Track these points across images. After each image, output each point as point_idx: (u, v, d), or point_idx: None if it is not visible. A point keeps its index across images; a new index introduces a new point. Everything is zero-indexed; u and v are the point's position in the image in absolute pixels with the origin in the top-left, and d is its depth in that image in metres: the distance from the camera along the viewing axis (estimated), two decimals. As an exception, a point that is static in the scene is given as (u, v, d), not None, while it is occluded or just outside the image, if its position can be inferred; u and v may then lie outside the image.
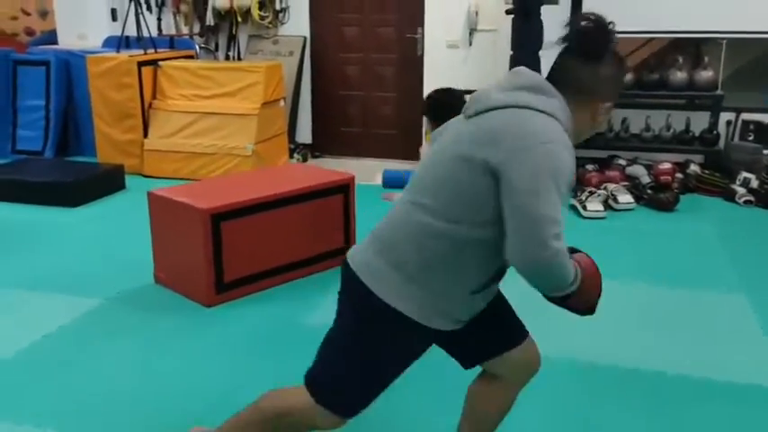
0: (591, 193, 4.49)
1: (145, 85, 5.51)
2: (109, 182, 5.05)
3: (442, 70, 5.74)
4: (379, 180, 5.48)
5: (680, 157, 5.24)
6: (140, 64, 5.44)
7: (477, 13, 5.51)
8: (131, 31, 6.47)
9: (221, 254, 3.09)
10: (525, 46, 4.99)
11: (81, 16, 6.52)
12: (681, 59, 5.19)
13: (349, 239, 3.63)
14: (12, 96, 6.05)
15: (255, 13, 6.07)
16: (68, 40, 6.57)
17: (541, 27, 4.98)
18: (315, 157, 6.40)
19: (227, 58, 6.33)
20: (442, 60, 5.77)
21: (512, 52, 5.12)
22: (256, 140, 5.35)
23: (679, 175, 4.97)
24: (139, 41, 5.78)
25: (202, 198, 3.15)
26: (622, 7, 5.18)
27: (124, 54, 5.56)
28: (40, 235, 4.16)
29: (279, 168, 3.80)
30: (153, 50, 5.71)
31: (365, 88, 6.22)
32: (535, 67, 5.05)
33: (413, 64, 5.98)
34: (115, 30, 6.55)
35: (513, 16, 5.04)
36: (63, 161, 5.36)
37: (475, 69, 5.68)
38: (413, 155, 6.12)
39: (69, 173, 4.95)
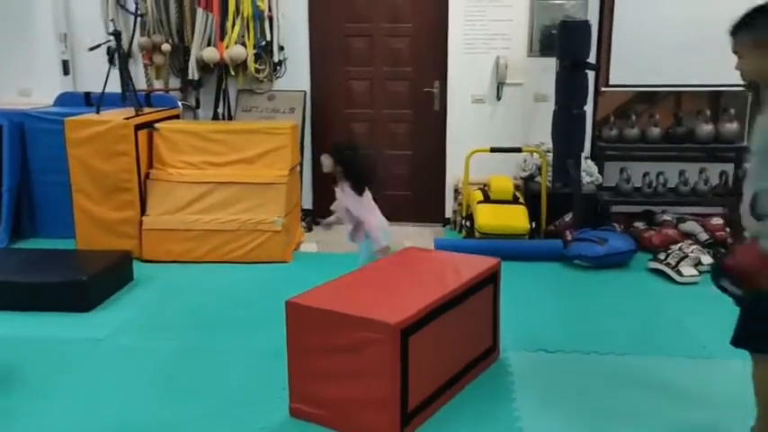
0: (679, 256, 4.26)
1: (140, 152, 4.60)
2: (118, 274, 4.08)
3: (467, 126, 5.38)
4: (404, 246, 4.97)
5: (712, 210, 5.22)
6: (136, 128, 4.54)
7: (506, 66, 5.21)
8: (86, 86, 5.55)
9: (407, 377, 2.43)
10: (571, 102, 4.77)
11: (23, 69, 5.44)
12: (707, 112, 5.21)
13: (496, 337, 3.09)
14: (-52, 170, 4.84)
15: (252, 65, 5.36)
16: (6, 98, 5.44)
17: (587, 84, 4.80)
18: (316, 224, 5.71)
19: (216, 116, 5.52)
20: (467, 116, 5.39)
21: (555, 107, 4.88)
22: (286, 212, 4.63)
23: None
24: (124, 100, 4.84)
25: (373, 307, 2.48)
26: (649, 63, 5.23)
27: (111, 115, 4.62)
28: (61, 361, 3.15)
29: (404, 257, 3.16)
30: (141, 110, 4.80)
31: (375, 147, 5.67)
32: (580, 122, 4.86)
33: (430, 120, 5.55)
34: (66, 85, 5.55)
35: (557, 71, 4.82)
36: (45, 252, 4.27)
37: (503, 124, 5.36)
38: (431, 217, 5.66)
39: (71, 267, 3.92)
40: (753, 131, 2.17)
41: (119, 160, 4.51)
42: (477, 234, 4.73)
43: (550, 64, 5.09)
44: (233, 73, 5.41)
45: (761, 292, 2.03)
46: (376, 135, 5.66)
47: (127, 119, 4.54)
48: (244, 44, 5.33)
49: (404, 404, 2.44)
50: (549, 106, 5.18)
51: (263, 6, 5.32)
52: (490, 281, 3.00)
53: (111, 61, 5.42)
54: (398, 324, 2.37)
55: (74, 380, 2.98)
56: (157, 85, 5.55)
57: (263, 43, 5.39)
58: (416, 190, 5.72)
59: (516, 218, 4.66)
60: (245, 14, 5.29)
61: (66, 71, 5.51)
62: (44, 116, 4.94)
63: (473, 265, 2.93)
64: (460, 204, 5.27)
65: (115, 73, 4.94)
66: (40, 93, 5.40)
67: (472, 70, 5.31)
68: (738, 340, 2.17)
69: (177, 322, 3.62)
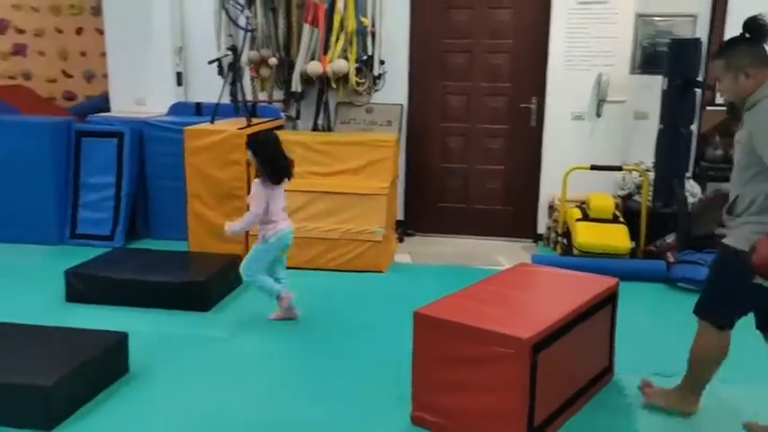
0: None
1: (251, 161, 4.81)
2: (230, 277, 4.28)
3: (566, 143, 5.37)
4: (496, 262, 5.02)
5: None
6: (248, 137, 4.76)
7: (608, 83, 5.18)
8: (197, 95, 5.86)
9: (535, 392, 2.47)
10: (678, 121, 4.71)
11: (139, 80, 5.77)
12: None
13: (612, 357, 3.09)
14: (73, 172, 5.18)
15: (353, 79, 5.52)
16: (123, 106, 5.79)
17: (695, 103, 4.73)
18: (408, 235, 5.82)
19: (316, 127, 5.71)
20: (565, 132, 5.39)
21: (660, 126, 4.82)
22: (385, 223, 4.74)
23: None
24: (237, 111, 5.09)
25: (502, 321, 2.54)
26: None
27: (224, 125, 4.86)
28: (188, 357, 3.36)
29: (520, 272, 3.22)
30: (251, 121, 5.03)
31: (469, 161, 5.74)
32: (686, 141, 4.79)
33: (526, 135, 5.58)
34: (179, 95, 5.86)
35: (664, 90, 4.76)
36: (162, 252, 4.52)
37: (603, 142, 5.33)
38: (521, 232, 5.67)
39: (189, 268, 4.16)
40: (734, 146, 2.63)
41: (231, 168, 4.74)
42: (575, 252, 4.72)
43: (653, 82, 5.05)
44: (334, 86, 5.59)
45: None
46: (470, 149, 5.72)
47: (240, 129, 4.77)
48: (346, 58, 5.50)
49: (530, 419, 2.49)
50: (650, 124, 5.14)
51: (367, 22, 5.49)
52: (609, 301, 3.01)
53: (221, 73, 5.72)
54: (530, 339, 2.42)
55: (202, 374, 3.17)
56: (261, 96, 5.79)
57: (365, 57, 5.54)
58: (508, 205, 5.74)
59: (617, 237, 4.63)
60: (349, 30, 5.46)
61: (179, 82, 5.82)
62: (160, 124, 5.24)
63: (593, 284, 2.95)
64: (556, 221, 5.27)
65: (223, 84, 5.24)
66: (155, 102, 5.72)
67: (572, 87, 5.30)
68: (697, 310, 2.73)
69: (290, 326, 3.77)
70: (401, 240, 5.66)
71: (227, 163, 4.73)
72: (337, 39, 5.48)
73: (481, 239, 5.72)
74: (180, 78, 5.84)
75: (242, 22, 5.53)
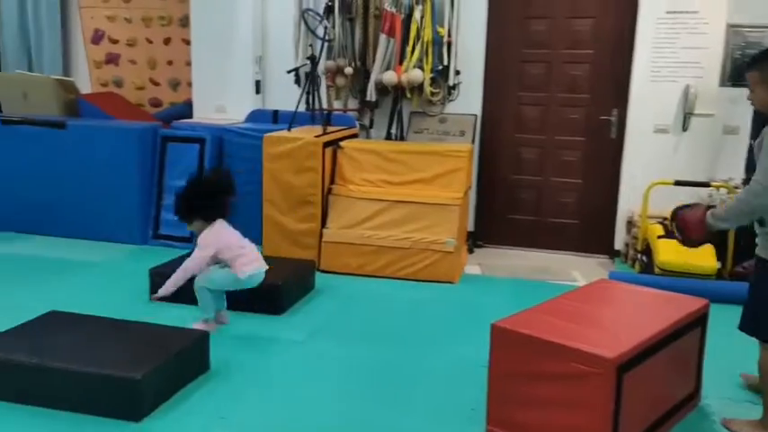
0: None
1: (325, 168, 4.90)
2: (303, 282, 4.36)
3: (648, 157, 5.21)
4: (571, 277, 4.93)
5: None
6: (324, 145, 4.85)
7: (696, 96, 5.00)
8: (274, 103, 6.01)
9: (619, 413, 2.40)
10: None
11: (220, 88, 5.96)
12: None
13: (699, 382, 2.97)
14: (158, 176, 5.40)
15: (428, 89, 5.54)
16: (204, 113, 5.99)
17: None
18: (477, 246, 5.77)
19: (389, 136, 5.76)
20: (648, 146, 5.23)
21: (751, 141, 4.62)
22: (457, 234, 4.72)
23: None
24: (313, 119, 5.20)
25: (586, 338, 2.48)
26: None
27: (301, 133, 4.96)
28: (267, 357, 3.43)
29: (600, 288, 3.14)
30: (326, 128, 5.12)
31: (543, 173, 5.65)
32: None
33: (604, 148, 5.45)
34: (257, 103, 6.02)
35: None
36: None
37: (688, 157, 5.14)
38: (597, 247, 5.53)
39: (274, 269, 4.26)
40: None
41: (307, 175, 4.83)
42: (656, 270, 4.56)
43: (743, 95, 4.83)
44: (408, 95, 5.62)
45: (691, 242, 2.86)
46: (546, 161, 5.63)
47: (316, 137, 4.86)
48: (421, 68, 5.52)
49: (612, 441, 2.42)
50: (740, 139, 4.94)
51: (443, 32, 5.50)
52: (699, 323, 2.90)
53: (297, 82, 5.85)
54: (616, 359, 2.35)
55: (280, 376, 3.24)
56: (337, 105, 5.89)
57: (440, 67, 5.56)
58: (584, 219, 5.61)
59: (703, 256, 4.44)
60: (425, 40, 5.48)
61: (257, 90, 5.98)
62: (239, 131, 5.39)
63: (681, 304, 2.84)
64: (635, 237, 5.11)
65: (299, 92, 5.35)
66: (234, 109, 5.90)
67: (657, 99, 5.15)
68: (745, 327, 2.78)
69: (363, 332, 3.80)
70: (471, 251, 5.63)
71: (302, 169, 4.82)
72: (413, 49, 5.51)
73: (553, 253, 5.62)
74: (258, 87, 6.00)
75: (320, 32, 5.64)
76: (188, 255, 3.88)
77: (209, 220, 3.60)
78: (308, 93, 5.40)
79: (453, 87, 5.66)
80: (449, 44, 5.55)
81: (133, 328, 3.26)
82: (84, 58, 6.58)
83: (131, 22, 6.41)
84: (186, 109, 6.19)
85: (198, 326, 3.55)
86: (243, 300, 3.97)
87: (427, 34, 5.48)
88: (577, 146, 5.54)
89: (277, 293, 3.98)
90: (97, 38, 6.49)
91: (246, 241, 3.73)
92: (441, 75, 5.58)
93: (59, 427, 2.71)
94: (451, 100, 5.71)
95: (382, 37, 5.55)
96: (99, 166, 5.33)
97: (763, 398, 2.73)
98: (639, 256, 4.94)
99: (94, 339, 3.09)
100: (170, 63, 6.42)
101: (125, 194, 5.34)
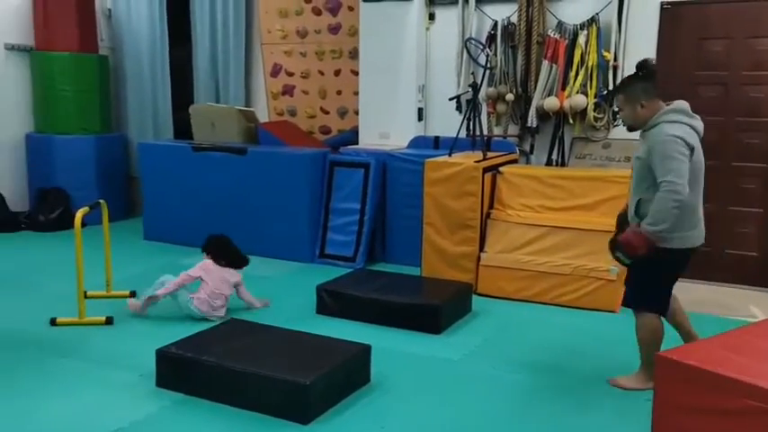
0: None
1: (485, 193, 4.97)
2: (460, 304, 4.44)
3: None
4: (749, 313, 4.55)
5: None
6: (484, 170, 4.93)
7: None
8: (435, 130, 6.20)
9: (802, 460, 2.20)
10: None
11: (385, 115, 6.26)
12: None
13: None
14: (326, 198, 5.78)
15: (591, 114, 5.44)
16: (369, 140, 6.32)
17: None
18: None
19: (549, 162, 5.71)
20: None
21: None
22: (620, 262, 4.56)
23: None
24: (474, 145, 5.32)
25: (762, 374, 2.31)
26: None
27: (461, 158, 5.08)
28: (422, 374, 3.53)
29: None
30: (486, 154, 5.20)
31: (718, 201, 5.27)
32: None
33: (790, 175, 5.00)
34: (419, 129, 6.25)
35: None
36: (400, 276, 4.86)
37: None
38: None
39: (424, 292, 4.42)
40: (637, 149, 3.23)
41: (466, 199, 4.92)
42: None
43: None
44: (571, 121, 5.55)
45: (638, 257, 3.14)
46: (720, 189, 5.24)
47: (477, 162, 4.95)
48: (585, 93, 5.44)
49: (793, 488, 2.22)
50: None
51: (609, 56, 5.39)
52: None
53: (458, 109, 6.00)
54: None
55: (436, 393, 3.32)
56: (497, 131, 5.95)
57: (605, 92, 5.44)
58: (764, 251, 5.16)
59: None
60: (590, 64, 5.41)
61: (420, 117, 6.22)
62: (402, 156, 5.63)
63: None
64: (827, 273, 4.61)
65: (460, 119, 5.49)
66: (397, 136, 6.17)
67: None
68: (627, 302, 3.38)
69: (519, 357, 3.79)
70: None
71: (462, 194, 4.92)
72: (576, 74, 5.45)
73: (729, 287, 5.20)
74: (421, 114, 6.23)
75: (482, 60, 5.76)
76: (351, 274, 4.11)
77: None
78: (468, 119, 5.53)
79: (618, 112, 5.50)
80: (614, 68, 5.42)
81: (302, 338, 3.52)
82: (263, 90, 7.23)
83: (306, 56, 6.95)
84: (353, 136, 6.57)
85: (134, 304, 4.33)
86: (403, 318, 4.14)
87: (592, 59, 5.41)
88: (757, 173, 5.13)
89: (436, 314, 4.09)
90: (275, 71, 7.12)
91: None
92: (605, 99, 5.46)
93: (236, 423, 2.99)
94: (616, 125, 5.54)
95: (545, 63, 5.55)
96: (274, 189, 5.80)
97: (640, 352, 3.35)
98: (833, 294, 4.45)
99: (268, 346, 3.39)
100: (339, 93, 6.86)
101: (296, 215, 5.77)
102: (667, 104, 3.19)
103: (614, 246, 3.28)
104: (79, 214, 4.09)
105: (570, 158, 5.70)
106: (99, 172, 7.16)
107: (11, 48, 7.02)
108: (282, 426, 2.95)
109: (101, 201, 4.57)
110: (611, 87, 5.40)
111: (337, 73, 6.84)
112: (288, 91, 7.10)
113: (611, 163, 5.50)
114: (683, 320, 3.52)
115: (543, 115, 5.68)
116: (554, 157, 5.69)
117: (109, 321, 4.11)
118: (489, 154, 5.29)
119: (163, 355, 3.27)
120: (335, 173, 5.77)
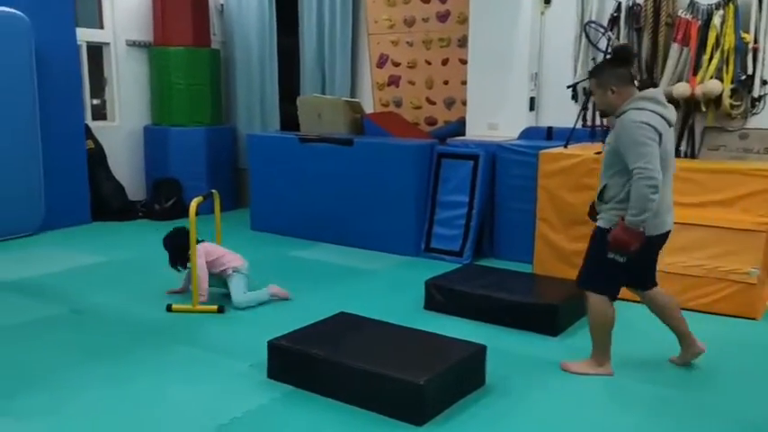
0: None
1: (604, 186, 4.64)
2: (577, 304, 4.13)
3: None
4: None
5: None
6: (605, 162, 4.59)
7: None
8: (548, 120, 5.89)
9: None
10: None
11: (494, 106, 6.00)
12: None
13: None
14: (432, 191, 5.61)
15: (727, 101, 4.95)
16: (477, 131, 6.09)
17: None
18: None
19: (678, 153, 5.24)
20: None
21: None
22: (762, 264, 4.11)
23: None
24: (593, 136, 4.98)
25: None
26: None
27: (579, 150, 4.76)
28: (536, 378, 3.29)
29: None
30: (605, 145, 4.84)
31: None
32: None
33: None
34: (530, 120, 5.95)
35: None
36: (511, 272, 4.61)
37: None
38: None
39: (539, 290, 4.16)
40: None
41: (583, 193, 4.57)
42: None
43: None
44: (703, 109, 5.08)
45: (631, 253, 3.08)
46: None
47: (596, 153, 4.61)
48: (720, 78, 4.96)
49: None
50: None
51: (748, 38, 4.88)
52: None
53: (574, 98, 5.66)
54: None
55: (555, 399, 3.09)
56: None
57: (743, 77, 4.93)
58: None
59: None
60: (726, 47, 4.92)
61: (531, 107, 5.92)
62: (514, 148, 5.36)
63: None
64: None
65: (576, 109, 5.15)
66: (507, 127, 5.90)
67: None
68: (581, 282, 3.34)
69: (643, 363, 3.48)
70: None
71: (579, 187, 4.60)
72: (711, 57, 4.97)
73: None
74: (532, 103, 5.93)
75: (602, 45, 5.38)
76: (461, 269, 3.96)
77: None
78: (586, 108, 5.19)
79: (758, 99, 4.99)
80: (755, 51, 4.91)
81: (414, 335, 3.37)
82: (368, 81, 7.14)
83: (412, 45, 6.79)
84: (459, 127, 6.36)
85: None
86: (517, 317, 3.91)
87: (729, 41, 4.91)
88: None
89: (554, 314, 3.83)
90: (382, 61, 7.01)
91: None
92: (743, 85, 4.96)
93: (348, 419, 2.88)
94: (755, 113, 5.03)
95: (674, 46, 5.11)
96: (380, 181, 5.70)
97: (592, 338, 3.33)
98: None
99: (379, 342, 3.26)
100: (446, 83, 6.66)
101: (402, 208, 5.63)
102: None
103: (608, 246, 3.14)
104: (194, 204, 4.13)
105: (701, 150, 5.22)
106: (209, 163, 7.35)
107: (132, 44, 7.32)
108: (396, 426, 2.81)
109: (213, 191, 4.62)
110: (749, 72, 4.90)
111: (445, 62, 6.63)
112: (393, 81, 6.97)
113: (749, 155, 4.99)
114: (671, 319, 3.40)
115: (671, 103, 5.20)
116: (682, 148, 5.23)
117: (221, 310, 4.14)
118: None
119: (274, 348, 3.21)
120: (443, 164, 5.58)
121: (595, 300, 3.24)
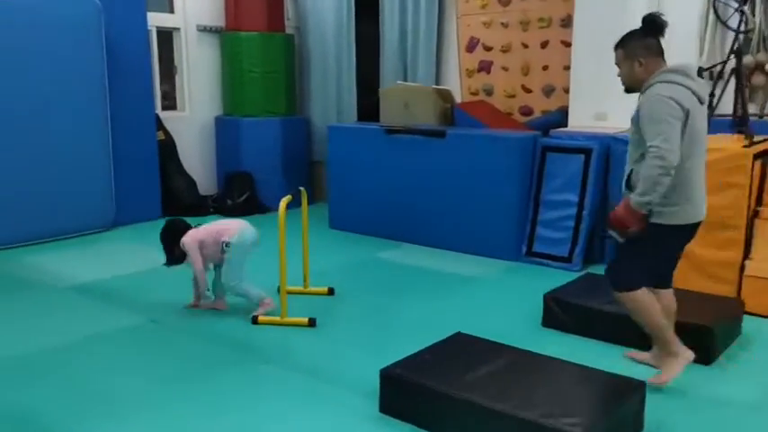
0: None
1: (752, 185, 3.98)
2: (731, 325, 3.51)
3: None
4: None
5: None
6: (754, 157, 3.93)
7: None
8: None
9: None
10: None
11: (603, 93, 5.34)
12: None
13: None
14: (535, 188, 5.03)
15: None
16: (581, 121, 5.46)
17: None
18: None
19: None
20: None
21: None
22: None
23: None
24: (736, 125, 4.32)
25: None
26: None
27: (722, 141, 4.10)
28: (707, 425, 2.71)
29: None
30: (752, 137, 4.17)
31: None
32: None
33: None
34: (641, 108, 5.28)
35: None
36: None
37: None
38: None
39: (681, 308, 3.54)
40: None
41: (728, 193, 3.95)
42: None
43: None
44: None
45: (629, 234, 2.79)
46: None
47: (744, 146, 3.96)
48: None
49: None
50: None
51: None
52: None
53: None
54: None
55: None
56: (751, 109, 4.84)
57: None
58: None
59: None
60: None
61: (643, 93, 5.26)
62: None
63: None
64: None
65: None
66: (617, 116, 5.24)
67: None
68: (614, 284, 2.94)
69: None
70: None
71: (722, 186, 3.93)
72: None
73: None
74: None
75: (733, 22, 4.69)
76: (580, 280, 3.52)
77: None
78: (737, 94, 4.50)
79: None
80: None
81: (550, 363, 2.83)
82: (455, 67, 6.57)
83: (507, 26, 6.18)
84: (560, 117, 5.74)
85: (260, 311, 3.79)
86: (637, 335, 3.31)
87: None
88: None
89: (708, 338, 3.22)
90: (472, 46, 6.43)
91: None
92: None
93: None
94: None
95: (827, 21, 4.40)
96: (476, 177, 5.14)
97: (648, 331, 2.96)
98: None
99: (515, 374, 2.72)
100: (545, 68, 6.03)
101: (501, 207, 5.07)
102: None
103: (608, 224, 2.90)
104: (283, 203, 3.69)
105: None
106: (283, 156, 6.94)
107: (203, 29, 6.96)
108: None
109: (301, 188, 4.17)
110: None
111: (544, 45, 5.99)
112: (484, 67, 6.37)
113: None
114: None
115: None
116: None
117: (312, 323, 3.68)
118: (756, 137, 4.25)
119: (387, 378, 2.72)
120: (548, 159, 4.99)
121: (627, 297, 2.88)
